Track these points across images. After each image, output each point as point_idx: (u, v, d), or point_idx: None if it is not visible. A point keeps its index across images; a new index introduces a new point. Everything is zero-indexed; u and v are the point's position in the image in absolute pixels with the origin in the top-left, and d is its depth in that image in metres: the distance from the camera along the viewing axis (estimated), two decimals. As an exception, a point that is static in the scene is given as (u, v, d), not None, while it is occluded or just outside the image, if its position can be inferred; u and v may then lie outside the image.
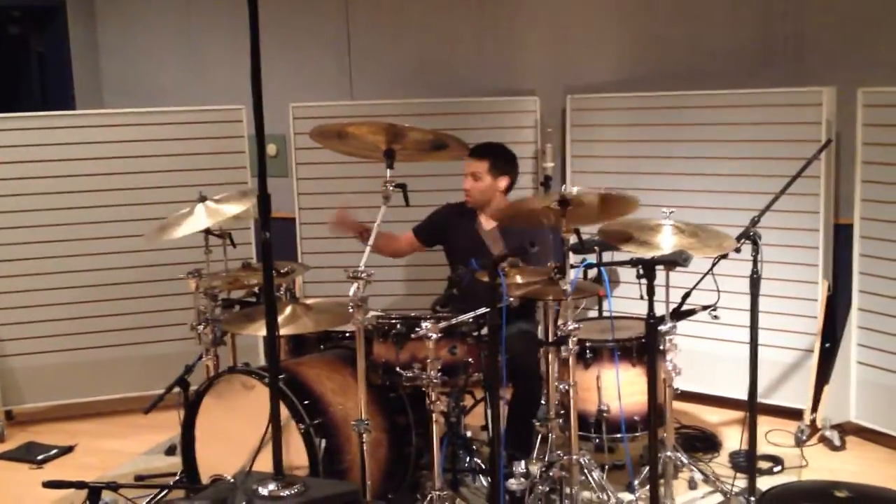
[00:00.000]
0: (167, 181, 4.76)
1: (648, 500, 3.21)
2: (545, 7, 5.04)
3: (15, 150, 4.62)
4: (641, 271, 3.06)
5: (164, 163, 4.79)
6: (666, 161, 4.59)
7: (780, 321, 4.34)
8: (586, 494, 3.42)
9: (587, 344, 3.62)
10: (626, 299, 4.07)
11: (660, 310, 3.16)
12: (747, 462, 3.48)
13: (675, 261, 3.19)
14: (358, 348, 3.08)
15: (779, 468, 3.87)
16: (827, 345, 4.28)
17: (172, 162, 4.79)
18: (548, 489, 3.38)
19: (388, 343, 3.25)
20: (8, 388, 4.66)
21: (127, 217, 4.72)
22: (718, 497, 3.58)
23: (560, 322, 3.18)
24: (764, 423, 4.15)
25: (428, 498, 3.24)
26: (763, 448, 3.99)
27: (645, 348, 3.54)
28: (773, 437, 4.20)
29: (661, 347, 3.42)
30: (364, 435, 3.10)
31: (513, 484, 3.29)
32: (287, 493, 2.47)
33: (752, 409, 3.37)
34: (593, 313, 4.63)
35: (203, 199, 3.73)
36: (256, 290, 3.85)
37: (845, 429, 4.20)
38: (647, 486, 3.27)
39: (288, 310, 3.42)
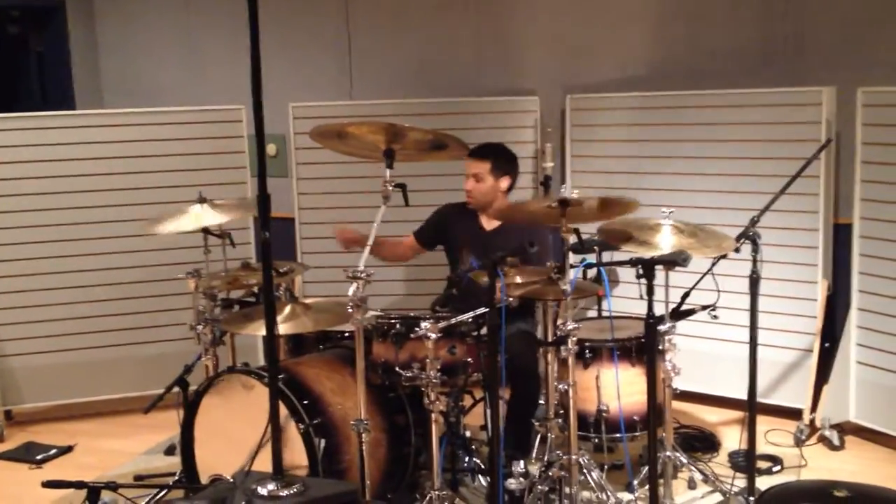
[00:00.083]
0: (167, 181, 4.75)
1: (648, 500, 3.21)
2: (545, 7, 5.04)
3: (14, 149, 4.61)
4: (641, 271, 3.06)
5: (163, 163, 4.78)
6: (665, 161, 4.59)
7: (780, 321, 4.34)
8: (585, 494, 3.42)
9: (586, 344, 3.62)
10: (626, 299, 4.08)
11: (659, 310, 3.16)
12: (746, 462, 3.48)
13: (674, 261, 3.18)
14: (357, 348, 3.07)
15: (778, 468, 3.87)
16: (826, 344, 4.28)
17: (172, 162, 4.79)
18: (547, 489, 3.37)
19: (388, 343, 3.25)
20: (7, 388, 4.66)
21: (127, 217, 4.71)
22: (718, 497, 3.58)
23: (559, 322, 3.18)
24: (763, 422, 4.14)
25: (427, 498, 3.24)
26: (762, 448, 3.99)
27: (644, 348, 3.54)
28: (773, 436, 4.20)
29: (661, 347, 3.41)
30: (363, 435, 3.09)
31: (512, 484, 3.30)
32: (286, 492, 2.47)
33: (751, 408, 3.37)
34: (593, 313, 4.63)
35: (203, 200, 3.74)
36: (256, 289, 3.85)
37: (844, 428, 4.20)
38: (647, 486, 3.27)
39: (287, 309, 3.41)
